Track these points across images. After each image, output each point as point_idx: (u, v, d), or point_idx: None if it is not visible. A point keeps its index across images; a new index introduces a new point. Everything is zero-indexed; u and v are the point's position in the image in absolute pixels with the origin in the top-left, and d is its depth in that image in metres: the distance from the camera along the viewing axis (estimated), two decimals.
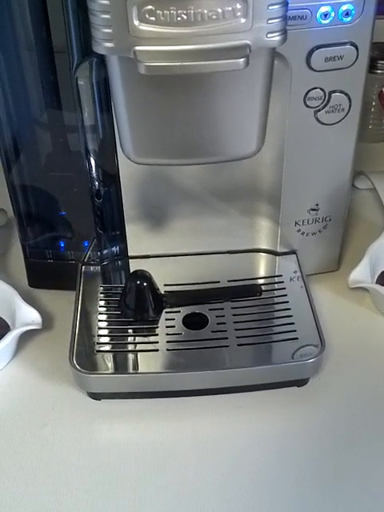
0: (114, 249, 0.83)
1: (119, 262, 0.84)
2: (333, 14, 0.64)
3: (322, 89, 0.69)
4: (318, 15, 0.64)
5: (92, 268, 0.83)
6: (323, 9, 0.64)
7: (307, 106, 0.70)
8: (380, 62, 1.00)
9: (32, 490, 0.63)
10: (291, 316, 0.75)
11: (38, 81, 0.70)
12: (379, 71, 1.01)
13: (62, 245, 0.82)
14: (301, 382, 0.72)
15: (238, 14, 0.53)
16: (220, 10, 0.53)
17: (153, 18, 0.53)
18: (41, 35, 0.66)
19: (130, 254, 0.83)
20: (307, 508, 0.61)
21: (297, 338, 0.72)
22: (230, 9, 0.53)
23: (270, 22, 0.54)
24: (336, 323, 0.78)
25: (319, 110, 0.71)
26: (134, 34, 0.54)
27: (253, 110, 0.62)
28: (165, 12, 0.52)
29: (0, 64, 0.68)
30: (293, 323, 0.74)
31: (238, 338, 0.72)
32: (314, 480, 0.63)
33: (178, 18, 0.52)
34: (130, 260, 0.83)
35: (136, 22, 0.53)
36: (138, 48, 0.54)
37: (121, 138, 0.65)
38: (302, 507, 0.61)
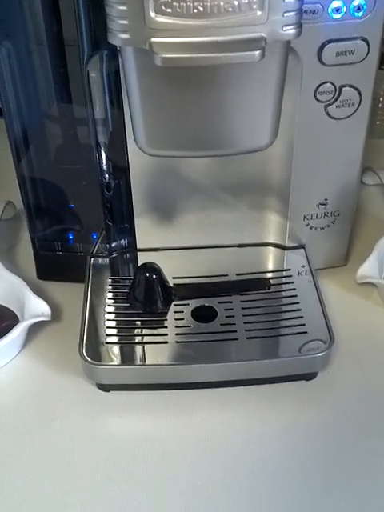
0: (122, 241, 0.83)
1: (128, 255, 0.84)
2: (344, 9, 0.64)
3: (332, 83, 0.69)
4: (329, 10, 0.64)
5: (100, 260, 0.83)
6: (335, 3, 0.64)
7: (318, 101, 0.70)
8: None
9: (40, 481, 0.63)
10: (300, 310, 0.75)
11: (49, 73, 0.70)
12: None
13: (71, 237, 0.82)
14: (309, 376, 0.72)
15: (254, 6, 0.53)
16: (236, 3, 0.53)
17: (169, 10, 0.53)
18: (52, 28, 0.66)
19: (138, 247, 0.83)
20: (315, 502, 0.61)
21: (306, 332, 0.72)
22: (246, 1, 0.53)
23: (285, 14, 0.55)
24: (344, 318, 0.78)
25: (329, 105, 0.71)
26: (150, 25, 0.54)
27: (267, 102, 0.62)
28: (181, 4, 0.52)
29: (11, 57, 0.68)
30: (301, 317, 0.74)
31: (246, 331, 0.72)
32: (322, 474, 0.63)
33: (195, 10, 0.53)
34: (138, 253, 0.83)
35: (152, 14, 0.53)
36: (153, 40, 0.54)
37: (134, 129, 0.65)
38: (310, 501, 0.61)
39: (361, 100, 0.71)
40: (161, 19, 0.53)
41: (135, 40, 0.55)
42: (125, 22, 0.54)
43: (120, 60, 0.63)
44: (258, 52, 0.53)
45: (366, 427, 0.68)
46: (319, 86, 0.69)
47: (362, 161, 0.77)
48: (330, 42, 0.66)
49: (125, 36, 0.55)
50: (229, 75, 0.59)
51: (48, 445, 0.67)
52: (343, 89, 0.70)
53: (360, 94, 0.71)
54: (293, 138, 0.73)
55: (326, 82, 0.69)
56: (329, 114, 0.72)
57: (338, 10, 0.64)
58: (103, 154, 0.75)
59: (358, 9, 0.64)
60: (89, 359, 0.69)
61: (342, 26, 0.65)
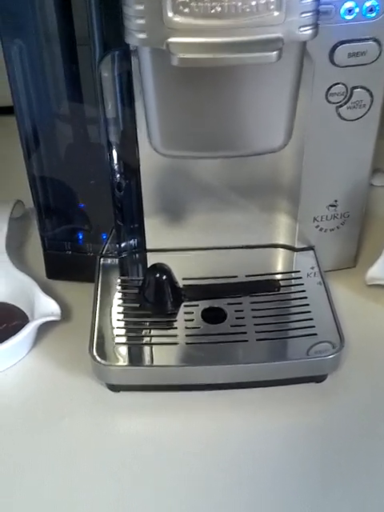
0: (132, 242, 0.83)
1: (137, 255, 0.84)
2: (357, 10, 0.64)
3: (344, 84, 0.69)
4: (342, 11, 0.64)
5: (110, 260, 0.83)
6: (347, 4, 0.64)
7: (329, 102, 0.70)
8: None
9: (50, 481, 0.63)
10: (309, 312, 0.75)
11: (60, 72, 0.69)
12: None
13: (81, 237, 0.82)
14: (319, 378, 0.72)
15: (272, 7, 0.53)
16: (254, 3, 0.53)
17: (187, 10, 0.53)
18: (64, 27, 0.66)
19: (148, 248, 0.83)
20: (324, 505, 0.61)
21: (315, 334, 0.72)
22: (263, 2, 0.53)
23: (302, 15, 0.55)
24: (353, 320, 0.78)
25: (341, 106, 0.71)
26: (167, 25, 0.54)
27: (282, 103, 0.62)
28: (199, 4, 0.52)
29: (23, 55, 0.68)
30: (311, 319, 0.74)
31: (256, 332, 0.72)
32: (331, 476, 0.63)
33: (212, 11, 0.53)
34: (148, 253, 0.83)
35: (170, 14, 0.53)
36: (171, 40, 0.54)
37: (149, 129, 0.65)
38: (319, 504, 0.61)
39: (372, 101, 0.71)
40: (178, 19, 0.53)
41: (152, 40, 0.55)
42: (142, 21, 0.54)
43: (133, 60, 0.63)
44: (275, 53, 0.53)
45: (375, 430, 0.68)
46: (331, 87, 0.69)
47: (372, 162, 0.77)
48: (342, 43, 0.66)
49: (142, 36, 0.55)
50: (245, 76, 0.59)
51: (57, 444, 0.66)
52: (355, 90, 0.70)
53: (371, 95, 0.70)
54: (304, 139, 0.73)
55: (338, 84, 0.69)
56: (340, 116, 0.71)
57: (350, 11, 0.64)
58: (114, 154, 0.75)
59: (371, 10, 0.64)
60: (99, 359, 0.69)
61: (354, 27, 0.65)
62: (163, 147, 0.65)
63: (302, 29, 0.55)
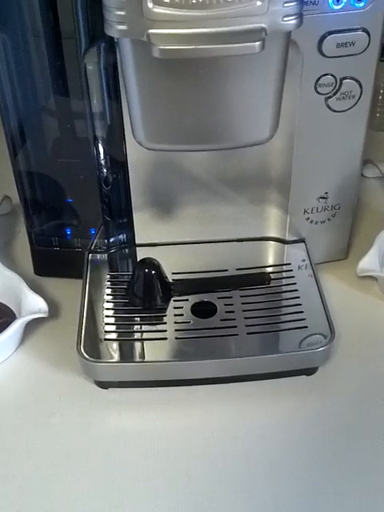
0: (121, 236, 0.82)
1: (126, 250, 0.83)
2: (345, 0, 0.63)
3: (333, 75, 0.69)
4: (330, 1, 0.63)
5: (99, 256, 0.82)
6: None
7: (318, 93, 0.70)
8: None
9: (39, 480, 0.63)
10: (300, 304, 0.74)
11: (46, 67, 0.69)
12: None
13: (69, 232, 0.82)
14: (310, 371, 0.72)
15: None
16: None
17: (167, 1, 0.52)
18: (48, 21, 0.65)
19: (137, 242, 0.83)
20: (316, 497, 0.61)
21: (306, 327, 0.71)
22: None
23: (286, 5, 0.54)
24: (344, 312, 0.78)
25: (330, 97, 0.70)
26: (147, 16, 0.53)
27: (267, 95, 0.61)
28: None
29: (7, 50, 0.67)
30: (302, 312, 0.73)
31: (247, 326, 0.72)
32: (323, 468, 0.63)
33: (193, 1, 0.52)
34: (137, 248, 0.83)
35: (150, 5, 0.52)
36: (151, 31, 0.53)
37: (132, 123, 0.64)
38: (311, 496, 0.61)
39: (361, 92, 0.70)
40: (159, 10, 0.52)
41: (133, 31, 0.54)
42: (122, 12, 0.53)
43: (117, 52, 0.62)
44: (258, 43, 0.52)
45: (366, 421, 0.68)
46: (319, 78, 0.69)
47: (362, 154, 0.76)
48: (330, 33, 0.65)
49: (122, 27, 0.54)
50: (228, 67, 0.58)
51: (46, 442, 0.66)
52: (344, 81, 0.69)
53: (361, 86, 0.70)
54: (293, 130, 0.73)
55: (327, 74, 0.69)
56: (329, 107, 0.71)
57: (338, 1, 0.63)
58: (101, 148, 0.74)
59: None
60: (86, 356, 0.68)
61: (342, 16, 0.65)
62: (147, 141, 0.64)
63: (285, 18, 0.54)
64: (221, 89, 0.59)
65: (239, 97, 0.60)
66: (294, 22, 0.55)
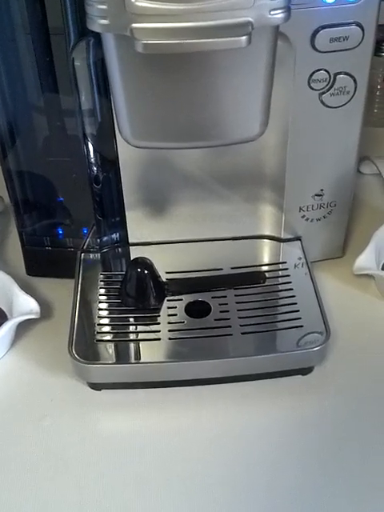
0: (113, 236, 0.82)
1: (119, 249, 0.83)
2: None
3: (326, 70, 0.68)
4: None
5: (91, 255, 0.81)
6: None
7: (312, 89, 0.69)
8: None
9: (32, 482, 0.62)
10: (296, 303, 0.74)
11: (34, 64, 0.68)
12: None
13: (61, 232, 0.81)
14: (306, 371, 0.71)
15: None
16: None
17: None
18: (37, 17, 0.65)
19: (130, 241, 0.82)
20: (312, 496, 0.61)
21: (301, 326, 0.71)
22: None
23: None
24: (341, 310, 0.77)
25: (324, 93, 0.69)
26: (130, 10, 0.52)
27: (256, 91, 0.60)
28: None
29: None
30: (297, 310, 0.73)
31: (241, 326, 0.71)
32: (318, 468, 0.63)
33: None
34: (130, 247, 0.82)
35: None
36: (135, 25, 0.52)
37: (118, 120, 0.63)
38: (307, 495, 0.61)
39: (356, 87, 0.69)
40: (142, 4, 0.51)
41: (115, 26, 0.53)
42: (104, 6, 0.52)
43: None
44: (244, 37, 0.51)
45: (362, 421, 0.67)
46: (313, 73, 0.68)
47: (358, 150, 0.76)
48: (323, 27, 0.64)
49: (104, 22, 0.53)
50: (215, 62, 0.57)
51: (39, 445, 0.66)
52: (338, 76, 0.68)
53: (355, 81, 0.69)
54: (287, 127, 0.72)
55: (320, 70, 0.68)
56: (323, 103, 0.70)
57: None
58: (91, 146, 0.73)
59: None
60: (79, 358, 0.68)
61: (335, 10, 0.64)
62: (134, 138, 0.63)
63: (272, 12, 0.53)
64: (208, 84, 0.58)
65: (227, 93, 0.59)
66: (281, 15, 0.54)
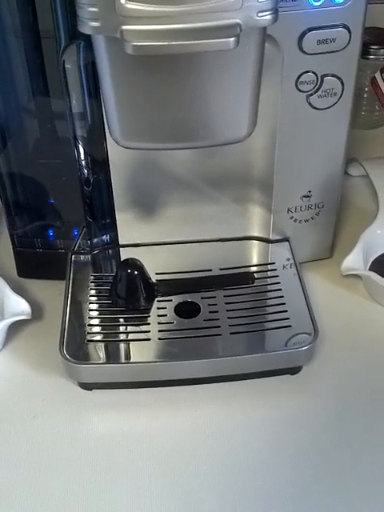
0: (104, 237, 0.82)
1: (110, 251, 0.83)
2: None
3: (314, 72, 0.68)
4: None
5: (82, 257, 0.81)
6: None
7: (299, 91, 0.69)
8: (372, 47, 0.99)
9: (23, 482, 0.62)
10: (284, 304, 0.74)
11: (25, 66, 0.68)
12: (372, 57, 1.00)
13: (51, 233, 0.81)
14: (294, 370, 0.71)
15: None
16: None
17: None
18: (27, 19, 0.65)
19: (120, 243, 0.82)
20: (301, 495, 0.61)
21: (290, 326, 0.71)
22: None
23: (260, 0, 0.53)
24: (329, 311, 0.78)
25: (311, 95, 0.70)
26: (120, 12, 0.52)
27: (244, 92, 0.60)
28: None
29: None
30: (286, 311, 0.73)
31: (230, 326, 0.72)
32: (307, 467, 0.63)
33: None
34: (120, 248, 0.82)
35: (123, 1, 0.52)
36: (125, 27, 0.52)
37: (108, 121, 0.63)
38: (296, 494, 0.61)
39: (343, 89, 0.70)
40: (131, 6, 0.52)
41: (106, 28, 0.53)
42: (94, 9, 0.53)
43: None
44: (232, 39, 0.52)
45: (351, 419, 0.68)
46: (300, 75, 0.68)
47: (345, 151, 0.76)
48: (310, 29, 0.65)
49: (95, 24, 0.53)
50: (204, 64, 0.57)
51: (30, 445, 0.66)
52: (325, 78, 0.69)
53: (342, 83, 0.70)
54: (275, 129, 0.72)
55: (308, 72, 0.68)
56: (311, 105, 0.71)
57: None
58: (82, 148, 0.74)
59: None
60: (70, 358, 0.68)
61: (322, 13, 0.64)
62: (123, 139, 0.63)
63: (260, 14, 0.54)
64: (197, 86, 0.59)
65: (215, 94, 0.60)
66: (268, 17, 0.54)
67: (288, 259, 0.80)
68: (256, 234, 0.83)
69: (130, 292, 0.74)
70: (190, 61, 0.57)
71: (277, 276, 0.78)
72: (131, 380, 0.70)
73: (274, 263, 0.81)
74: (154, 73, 0.57)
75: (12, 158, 0.75)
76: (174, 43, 0.52)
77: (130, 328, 0.73)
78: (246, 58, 0.58)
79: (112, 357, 0.71)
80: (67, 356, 0.68)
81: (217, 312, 0.73)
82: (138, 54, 0.53)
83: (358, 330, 0.77)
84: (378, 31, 1.00)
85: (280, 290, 0.76)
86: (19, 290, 0.77)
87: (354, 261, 0.80)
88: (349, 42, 0.66)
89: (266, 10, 0.54)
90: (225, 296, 0.76)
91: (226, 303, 0.75)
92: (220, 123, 0.63)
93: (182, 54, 0.55)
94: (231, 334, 0.71)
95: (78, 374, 0.69)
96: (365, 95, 1.04)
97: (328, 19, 0.65)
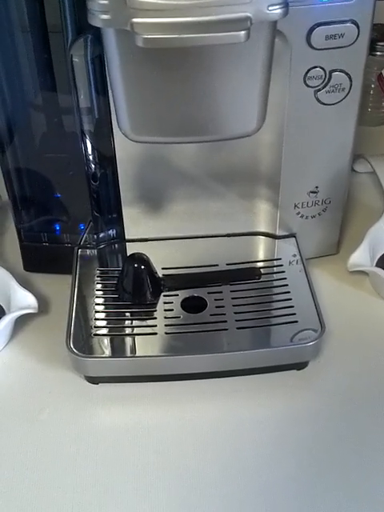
0: (110, 232, 0.82)
1: (116, 246, 0.83)
2: None
3: (322, 68, 0.68)
4: None
5: (88, 251, 0.82)
6: None
7: (307, 86, 0.69)
8: (379, 43, 1.00)
9: (29, 476, 0.62)
10: (290, 299, 0.74)
11: (33, 61, 0.68)
12: (378, 53, 1.00)
13: (58, 228, 0.81)
14: (300, 366, 0.71)
15: None
16: None
17: None
18: (35, 14, 0.65)
19: (126, 237, 0.82)
20: (305, 491, 0.61)
21: (296, 322, 0.71)
22: None
23: None
24: (335, 306, 0.78)
25: (319, 90, 0.70)
26: (131, 5, 0.52)
27: (253, 86, 0.61)
28: None
29: None
30: (292, 306, 0.73)
31: (237, 321, 0.72)
32: (312, 463, 0.63)
33: None
34: (126, 243, 0.82)
35: None
36: (135, 20, 0.52)
37: (118, 115, 0.63)
38: (301, 491, 0.61)
39: (351, 85, 0.70)
40: None
41: (116, 21, 0.53)
42: (105, 1, 0.53)
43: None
44: (243, 32, 0.52)
45: (356, 415, 0.68)
46: (309, 70, 0.68)
47: (352, 147, 0.76)
48: (319, 25, 0.65)
49: (106, 16, 0.53)
50: (214, 57, 0.57)
51: (36, 438, 0.66)
52: (333, 73, 0.69)
53: (350, 78, 0.69)
54: (283, 124, 0.72)
55: (316, 67, 0.68)
56: (319, 100, 0.70)
57: None
58: (89, 143, 0.73)
59: None
60: (76, 351, 0.68)
61: (331, 8, 0.64)
62: (133, 132, 0.63)
63: (270, 8, 0.54)
64: (207, 80, 0.59)
65: (225, 88, 0.60)
66: (279, 11, 0.54)
67: (294, 255, 0.80)
68: (263, 230, 0.83)
69: (137, 286, 0.74)
70: (200, 55, 0.57)
71: (283, 272, 0.78)
72: (137, 374, 0.70)
73: (280, 259, 0.80)
74: (163, 67, 0.57)
75: (19, 152, 0.75)
76: (184, 36, 0.52)
77: (136, 322, 0.73)
78: (256, 52, 0.58)
79: (118, 351, 0.71)
80: (74, 349, 0.68)
81: (223, 307, 0.73)
82: (148, 47, 0.53)
83: (364, 326, 0.77)
84: None
85: (286, 285, 0.76)
86: (26, 284, 0.77)
87: (361, 257, 0.80)
88: (357, 38, 0.66)
89: (276, 4, 0.54)
90: (231, 291, 0.76)
91: (233, 298, 0.75)
92: (229, 117, 0.63)
93: (192, 48, 0.56)
94: (237, 329, 0.71)
95: (85, 367, 0.69)
96: (371, 92, 1.04)
97: (337, 15, 0.65)
